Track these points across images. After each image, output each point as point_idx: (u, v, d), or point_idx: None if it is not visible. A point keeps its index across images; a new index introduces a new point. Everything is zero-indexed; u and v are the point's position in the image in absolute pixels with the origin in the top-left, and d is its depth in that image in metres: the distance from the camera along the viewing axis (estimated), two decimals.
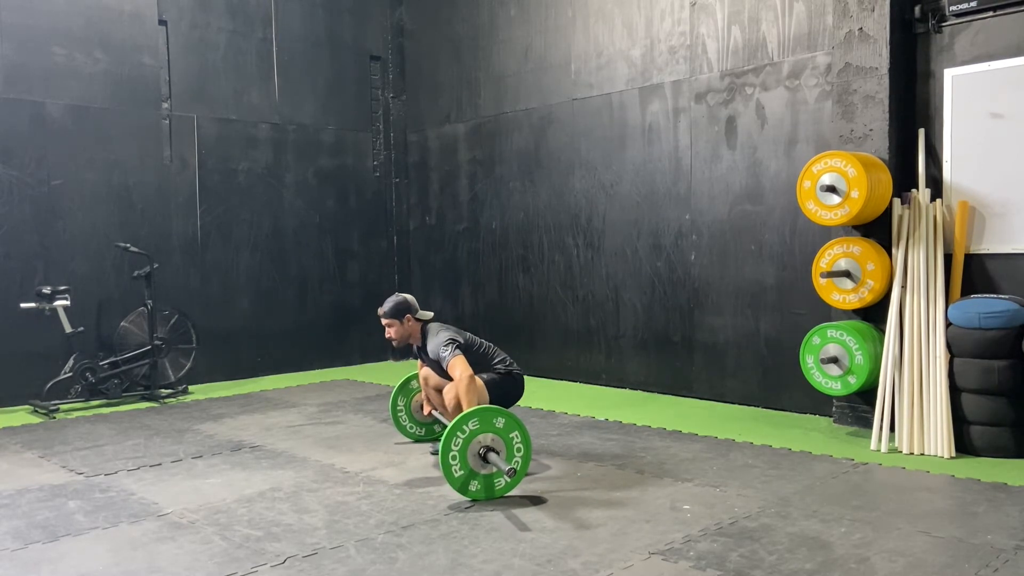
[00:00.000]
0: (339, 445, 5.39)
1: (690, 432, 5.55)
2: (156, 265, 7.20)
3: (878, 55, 5.38)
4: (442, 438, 4.10)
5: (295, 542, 3.65)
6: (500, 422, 4.16)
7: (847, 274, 5.35)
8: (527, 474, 4.57)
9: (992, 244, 5.18)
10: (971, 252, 5.23)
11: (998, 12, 5.11)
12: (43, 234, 7.02)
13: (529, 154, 7.95)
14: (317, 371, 8.51)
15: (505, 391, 4.81)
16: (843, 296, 5.41)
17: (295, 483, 4.54)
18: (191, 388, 7.50)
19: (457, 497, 4.20)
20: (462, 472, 4.11)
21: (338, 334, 8.81)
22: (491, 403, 4.69)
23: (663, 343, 6.93)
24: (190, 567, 3.40)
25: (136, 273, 7.11)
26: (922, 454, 4.92)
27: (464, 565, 3.36)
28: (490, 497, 4.19)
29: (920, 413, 4.99)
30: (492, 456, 4.10)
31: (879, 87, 5.38)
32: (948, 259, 5.23)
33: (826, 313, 5.69)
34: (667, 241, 6.86)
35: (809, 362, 5.41)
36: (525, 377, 5.06)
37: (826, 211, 5.23)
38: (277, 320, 8.38)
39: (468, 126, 8.55)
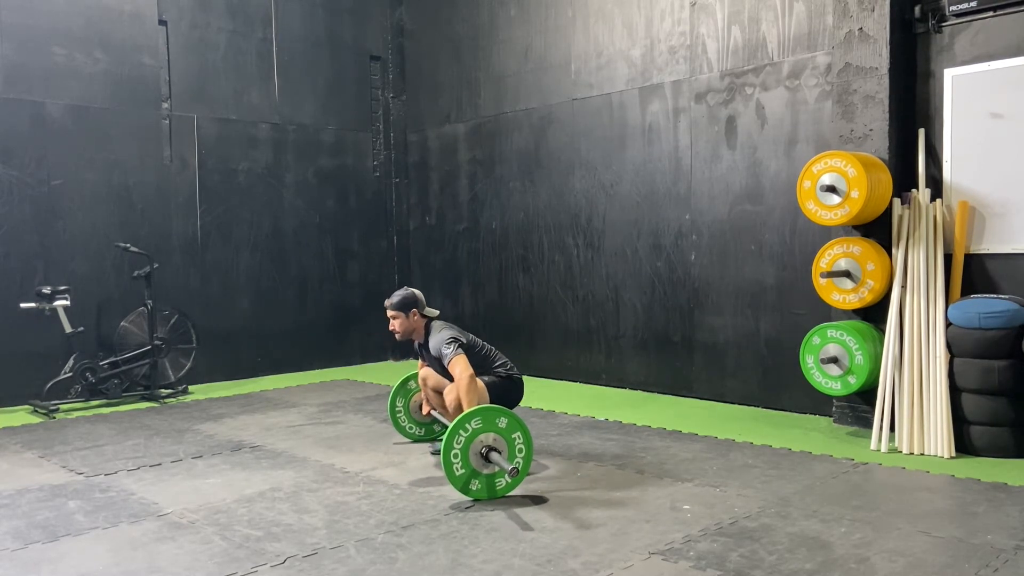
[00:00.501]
0: (339, 445, 5.39)
1: (690, 432, 5.55)
2: (156, 265, 7.20)
3: (878, 55, 5.38)
4: (444, 437, 4.10)
5: (295, 542, 3.65)
6: (503, 422, 4.16)
7: (847, 274, 5.35)
8: (528, 474, 4.57)
9: (992, 244, 5.18)
10: (971, 252, 5.23)
11: (998, 12, 5.11)
12: (43, 234, 7.02)
13: (529, 154, 7.95)
14: (317, 371, 8.51)
15: (505, 394, 4.81)
16: (843, 296, 5.41)
17: (295, 483, 4.54)
18: (191, 388, 7.50)
19: (457, 497, 4.20)
20: (464, 471, 4.11)
21: (338, 334, 8.81)
22: (492, 402, 4.70)
23: (663, 343, 6.93)
24: (190, 567, 3.40)
25: (136, 273, 7.11)
26: (922, 454, 4.92)
27: (464, 565, 3.36)
28: (491, 497, 4.19)
29: (920, 413, 4.99)
30: (494, 456, 4.11)
31: (879, 87, 5.38)
32: (948, 259, 5.23)
33: (826, 313, 5.69)
34: (667, 241, 6.86)
35: (809, 362, 5.41)
36: (525, 378, 5.06)
37: (826, 211, 5.23)
38: (277, 320, 8.38)
39: (468, 126, 8.55)
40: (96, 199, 7.29)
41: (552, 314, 7.81)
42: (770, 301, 6.23)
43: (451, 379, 4.69)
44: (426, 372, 5.09)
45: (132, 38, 7.47)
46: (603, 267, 7.35)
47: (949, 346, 4.97)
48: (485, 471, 4.15)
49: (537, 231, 7.90)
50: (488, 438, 4.13)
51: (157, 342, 7.16)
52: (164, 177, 7.67)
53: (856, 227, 5.48)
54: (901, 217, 5.32)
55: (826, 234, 5.65)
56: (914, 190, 5.35)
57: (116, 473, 4.80)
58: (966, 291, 5.20)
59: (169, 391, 7.21)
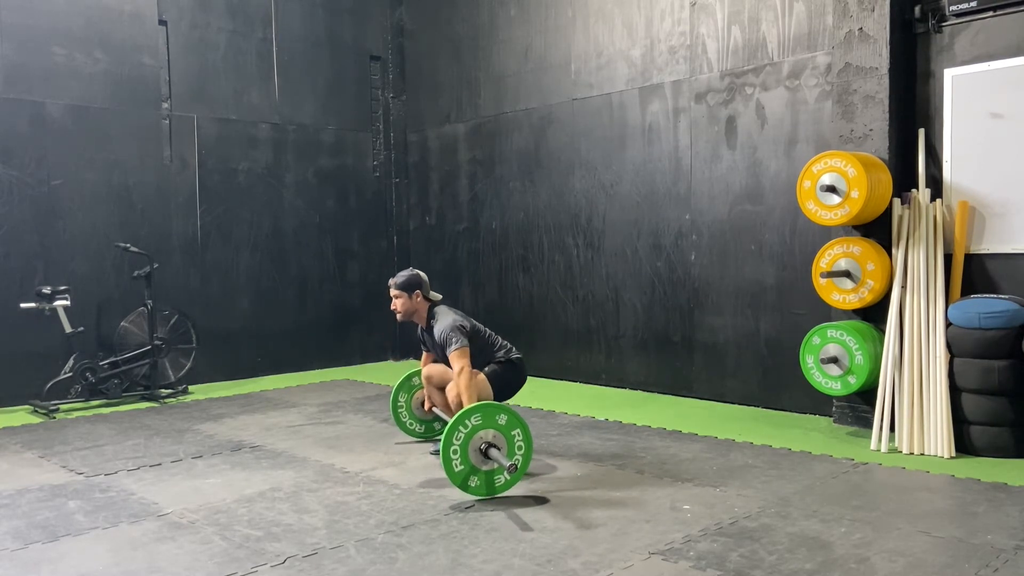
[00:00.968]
0: (339, 445, 5.39)
1: (690, 432, 5.55)
2: (156, 265, 7.20)
3: (878, 55, 5.38)
4: (443, 433, 4.10)
5: (295, 542, 3.65)
6: (502, 419, 4.16)
7: (847, 274, 5.35)
8: (527, 474, 4.57)
9: (992, 244, 5.18)
10: (971, 252, 5.23)
11: (998, 12, 5.10)
12: (43, 234, 7.02)
13: (529, 154, 7.95)
14: (317, 371, 8.51)
15: (507, 381, 4.81)
16: (843, 296, 5.41)
17: (295, 483, 4.54)
18: (191, 388, 7.50)
19: (457, 497, 4.20)
20: (463, 467, 4.10)
21: (338, 334, 8.81)
22: (495, 393, 4.71)
23: (663, 343, 6.93)
24: (190, 567, 3.40)
25: (136, 273, 7.11)
26: (922, 454, 4.92)
27: (464, 565, 3.36)
28: (490, 494, 4.19)
29: (920, 413, 4.99)
30: (493, 452, 4.10)
31: (879, 87, 5.38)
32: (948, 259, 5.23)
33: (826, 313, 5.69)
34: (667, 241, 6.86)
35: (809, 362, 5.41)
36: (526, 377, 5.06)
37: (826, 211, 5.23)
38: (277, 320, 8.38)
39: (468, 126, 8.55)
40: (96, 199, 7.29)
41: (552, 314, 7.81)
42: (770, 301, 6.23)
43: (451, 367, 4.69)
44: (429, 370, 5.08)
45: (132, 38, 7.47)
46: (603, 267, 7.35)
47: (949, 346, 4.97)
48: (484, 468, 4.15)
49: (537, 231, 7.90)
50: (487, 434, 4.13)
51: (157, 342, 7.16)
52: (164, 177, 7.67)
53: (856, 227, 5.48)
54: (901, 217, 5.32)
55: (826, 234, 5.65)
56: (914, 190, 5.35)
57: (116, 473, 4.80)
58: (966, 291, 5.20)
59: (169, 391, 7.21)
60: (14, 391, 6.81)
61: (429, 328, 4.86)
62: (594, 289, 7.44)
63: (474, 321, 4.91)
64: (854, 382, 5.23)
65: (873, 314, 5.44)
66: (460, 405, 4.39)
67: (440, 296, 5.02)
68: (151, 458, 5.12)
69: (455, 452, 4.09)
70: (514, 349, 4.96)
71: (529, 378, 4.90)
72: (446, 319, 4.70)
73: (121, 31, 7.40)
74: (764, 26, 6.19)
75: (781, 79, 6.11)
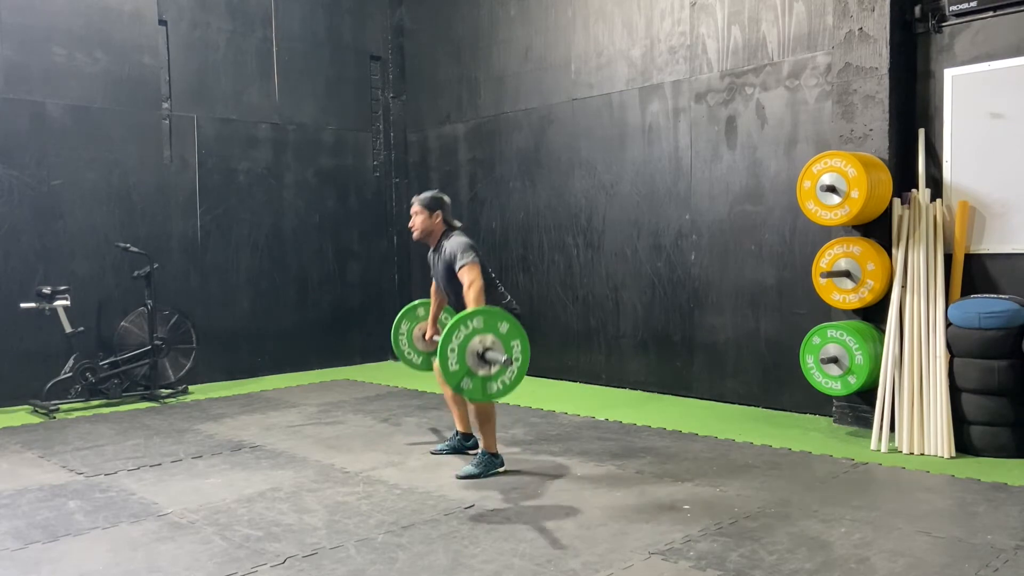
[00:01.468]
0: (339, 445, 5.39)
1: (690, 432, 5.55)
2: (156, 265, 7.20)
3: (878, 55, 5.38)
4: (444, 330, 4.03)
5: (295, 542, 3.65)
6: (504, 327, 4.11)
7: (847, 274, 5.35)
8: (527, 473, 4.57)
9: (992, 244, 5.18)
10: (971, 252, 5.23)
11: (998, 12, 5.10)
12: (43, 234, 7.02)
13: (529, 154, 7.95)
14: (317, 371, 8.51)
15: None
16: (843, 296, 5.41)
17: (295, 483, 4.54)
18: (191, 388, 7.50)
19: (457, 497, 4.20)
20: (458, 368, 4.04)
21: (338, 334, 8.81)
22: None
23: (663, 343, 6.93)
24: (190, 567, 3.40)
25: (136, 273, 7.11)
26: (922, 454, 4.92)
27: (464, 565, 3.36)
28: (485, 399, 4.15)
29: (920, 413, 4.99)
30: (490, 354, 4.05)
31: (879, 87, 5.38)
32: (948, 259, 5.23)
33: (826, 313, 5.69)
34: (667, 241, 6.86)
35: (809, 362, 5.41)
36: (525, 378, 5.04)
37: (826, 211, 5.23)
38: (277, 320, 8.38)
39: (468, 126, 8.55)
40: (96, 199, 7.29)
41: (552, 314, 7.81)
42: (770, 301, 6.23)
43: (450, 292, 4.64)
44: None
45: (132, 38, 7.47)
46: (603, 267, 7.35)
47: (949, 346, 4.97)
48: (480, 372, 4.09)
49: (537, 231, 7.90)
50: (487, 339, 4.07)
51: (157, 342, 7.16)
52: (164, 177, 7.67)
53: (856, 227, 5.48)
54: (901, 217, 5.32)
55: (826, 234, 5.65)
56: (914, 190, 5.35)
57: (116, 473, 4.80)
58: (966, 291, 5.20)
59: (169, 391, 7.21)
60: (14, 391, 6.81)
61: (439, 248, 4.71)
62: (594, 289, 7.44)
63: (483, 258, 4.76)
64: (854, 382, 5.23)
65: (873, 314, 5.44)
66: (480, 422, 4.48)
67: (460, 224, 4.84)
68: (151, 458, 5.12)
69: (453, 351, 4.02)
70: (514, 301, 4.82)
71: (529, 378, 4.89)
72: (460, 239, 4.57)
73: (121, 31, 7.40)
74: (764, 26, 6.19)
75: (781, 79, 6.11)
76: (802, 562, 3.32)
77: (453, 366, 4.02)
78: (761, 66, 6.22)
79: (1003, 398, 4.77)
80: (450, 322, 4.04)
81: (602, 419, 6.01)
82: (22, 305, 6.65)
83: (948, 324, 4.99)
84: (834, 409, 5.72)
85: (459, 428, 5.08)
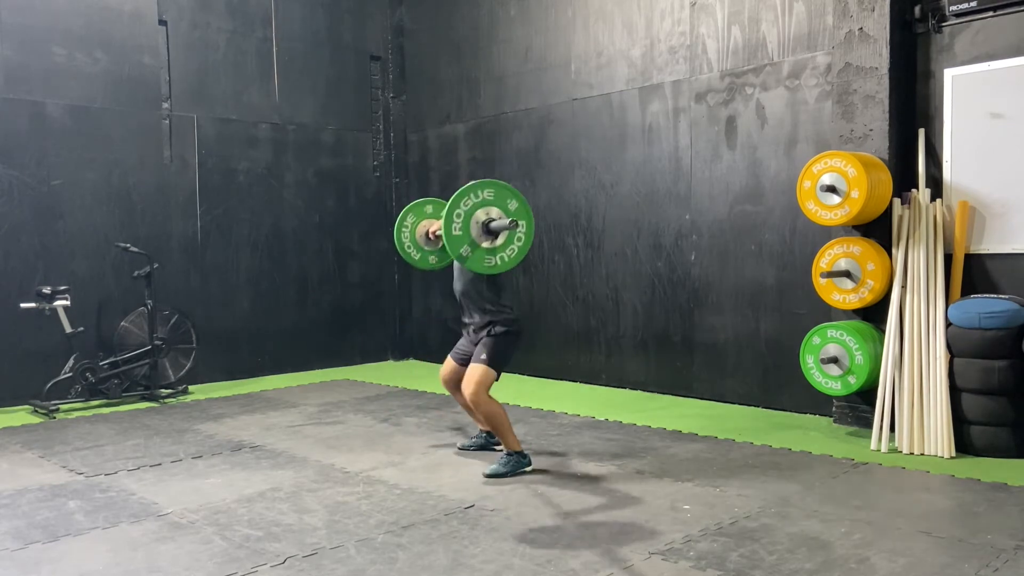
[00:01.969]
0: (339, 445, 5.39)
1: (690, 432, 5.55)
2: (156, 265, 7.20)
3: (878, 55, 5.38)
4: (455, 194, 4.01)
5: (295, 542, 3.65)
6: (513, 205, 4.10)
7: (847, 274, 5.35)
8: (527, 473, 4.58)
9: (992, 244, 5.18)
10: (971, 252, 5.23)
11: (998, 12, 5.10)
12: (43, 234, 7.02)
13: (529, 154, 7.95)
14: (317, 371, 8.51)
15: (507, 355, 4.71)
16: (843, 296, 5.41)
17: (295, 483, 4.54)
18: (191, 388, 7.50)
19: (457, 497, 4.20)
20: (461, 234, 4.02)
21: (338, 334, 8.81)
22: (495, 368, 4.60)
23: (663, 343, 6.93)
24: (190, 567, 3.40)
25: (136, 273, 7.11)
26: (922, 454, 4.92)
27: (464, 565, 3.36)
28: (482, 269, 4.18)
29: (920, 413, 4.99)
30: (495, 224, 4.05)
31: (879, 87, 5.38)
32: (948, 259, 5.23)
33: (826, 313, 5.69)
34: (667, 241, 6.86)
35: (809, 362, 5.41)
36: (524, 377, 5.03)
37: (826, 211, 5.23)
38: (277, 320, 8.38)
39: (468, 126, 8.55)
40: (96, 199, 7.29)
41: (552, 314, 7.81)
42: (770, 301, 6.23)
43: (471, 289, 4.62)
44: (447, 372, 5.03)
45: (132, 38, 7.47)
46: (603, 267, 7.35)
47: (949, 346, 4.97)
48: (482, 243, 4.06)
49: (537, 231, 7.89)
50: (493, 212, 4.06)
51: (157, 342, 7.16)
52: (164, 177, 7.67)
53: (856, 227, 5.48)
54: (901, 217, 5.32)
55: (826, 234, 5.65)
56: (914, 190, 5.35)
57: (116, 473, 4.80)
58: (966, 291, 5.20)
59: (169, 391, 7.21)
60: (14, 391, 6.81)
61: None
62: (594, 289, 7.44)
63: None
64: (854, 382, 5.23)
65: (873, 314, 5.44)
66: (477, 405, 4.46)
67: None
68: (151, 458, 5.12)
69: (458, 216, 4.01)
70: (515, 310, 4.85)
71: (529, 378, 4.90)
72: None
73: (121, 31, 7.40)
74: (764, 26, 6.19)
75: (781, 79, 6.11)
76: (802, 562, 3.32)
77: (457, 231, 4.00)
78: (761, 66, 6.22)
79: (1003, 398, 4.77)
80: (463, 188, 4.01)
81: (602, 419, 6.01)
82: (22, 305, 6.65)
83: (948, 324, 4.99)
84: (834, 409, 5.72)
85: (480, 428, 5.12)
